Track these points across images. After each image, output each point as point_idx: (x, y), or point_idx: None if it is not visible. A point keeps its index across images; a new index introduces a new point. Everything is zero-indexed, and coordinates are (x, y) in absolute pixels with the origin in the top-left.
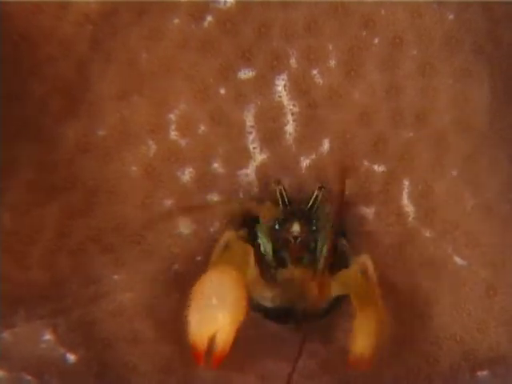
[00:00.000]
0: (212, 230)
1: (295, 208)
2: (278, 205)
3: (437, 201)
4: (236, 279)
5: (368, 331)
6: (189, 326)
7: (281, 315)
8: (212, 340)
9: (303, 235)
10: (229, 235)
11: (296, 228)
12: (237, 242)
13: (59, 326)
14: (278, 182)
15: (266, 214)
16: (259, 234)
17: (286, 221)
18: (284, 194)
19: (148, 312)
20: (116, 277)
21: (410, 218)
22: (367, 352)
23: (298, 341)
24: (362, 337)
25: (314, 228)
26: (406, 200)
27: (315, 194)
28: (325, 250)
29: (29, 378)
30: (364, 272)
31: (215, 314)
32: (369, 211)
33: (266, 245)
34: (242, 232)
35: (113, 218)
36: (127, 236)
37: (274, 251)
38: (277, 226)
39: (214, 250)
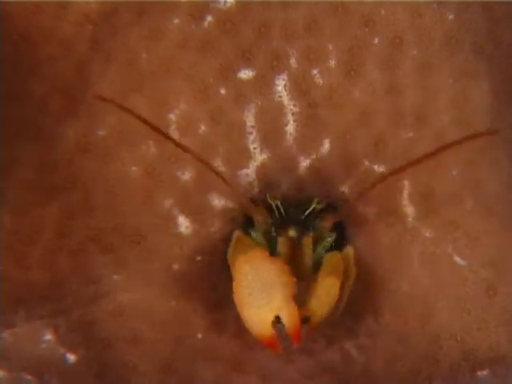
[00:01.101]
0: (212, 229)
1: (291, 216)
2: (274, 213)
3: (437, 201)
4: (266, 257)
5: (321, 297)
6: (249, 323)
7: None
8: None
9: (300, 236)
10: (238, 233)
11: (292, 233)
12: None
13: (59, 326)
14: (275, 198)
15: (260, 220)
16: (255, 238)
17: (281, 227)
18: (281, 208)
19: (148, 312)
20: (116, 277)
21: (410, 218)
22: (315, 316)
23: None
24: (314, 300)
25: (311, 234)
26: (406, 200)
27: (312, 206)
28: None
29: (29, 377)
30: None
31: (268, 299)
32: (369, 211)
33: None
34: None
35: (113, 217)
36: (127, 236)
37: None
38: (273, 233)
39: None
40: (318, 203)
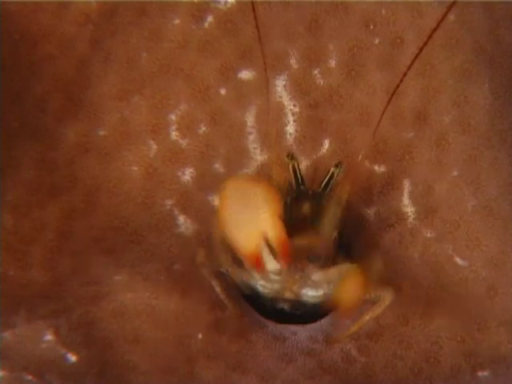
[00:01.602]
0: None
1: (308, 188)
2: (291, 180)
3: (437, 201)
4: (251, 179)
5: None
6: (236, 242)
7: (278, 309)
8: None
9: (313, 215)
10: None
11: (306, 209)
12: None
13: (60, 326)
14: (292, 156)
15: (277, 184)
16: None
17: (297, 200)
18: (298, 170)
19: (149, 312)
20: (117, 277)
21: (411, 219)
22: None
23: (299, 341)
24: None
25: (323, 209)
26: (406, 200)
27: (331, 171)
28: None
29: (29, 378)
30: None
31: (253, 217)
32: (369, 212)
33: None
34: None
35: (113, 218)
36: (128, 236)
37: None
38: (288, 201)
39: None
40: (335, 167)
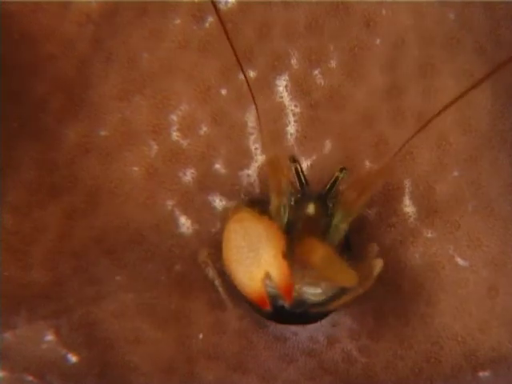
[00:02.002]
0: (213, 230)
1: (312, 190)
2: (294, 182)
3: (438, 201)
4: (254, 215)
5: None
6: (239, 282)
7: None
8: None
9: (317, 217)
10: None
11: (311, 210)
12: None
13: (61, 326)
14: (294, 159)
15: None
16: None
17: (301, 200)
18: (301, 172)
19: (150, 312)
20: (117, 277)
21: (412, 219)
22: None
23: (299, 341)
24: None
25: (330, 212)
26: (407, 201)
27: (335, 175)
28: (336, 238)
29: (30, 378)
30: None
31: (256, 257)
32: (370, 212)
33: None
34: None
35: (114, 218)
36: (129, 236)
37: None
38: (292, 202)
39: None
40: (340, 171)
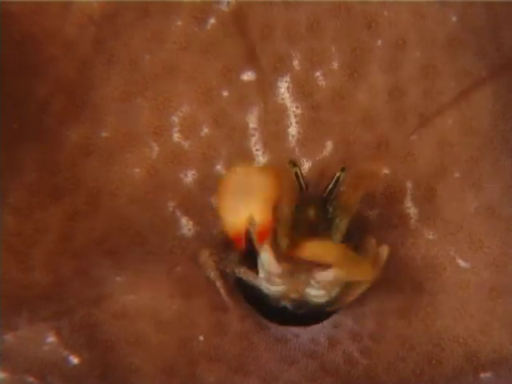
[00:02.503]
0: (214, 231)
1: (313, 193)
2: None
3: (439, 203)
4: (260, 167)
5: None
6: (224, 214)
7: (281, 311)
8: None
9: (318, 221)
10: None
11: (311, 213)
12: None
13: (62, 328)
14: (294, 164)
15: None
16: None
17: (302, 205)
18: (301, 176)
19: (151, 314)
20: (119, 279)
21: (413, 220)
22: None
23: (301, 343)
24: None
25: (330, 216)
26: (408, 202)
27: (337, 174)
28: (338, 237)
29: (31, 379)
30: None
31: (248, 198)
32: (372, 213)
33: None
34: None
35: (115, 219)
36: (130, 238)
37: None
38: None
39: None
40: (342, 170)
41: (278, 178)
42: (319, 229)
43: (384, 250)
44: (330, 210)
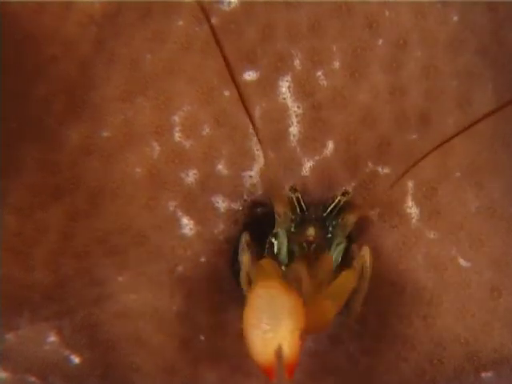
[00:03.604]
0: (216, 231)
1: (312, 213)
2: (295, 209)
3: (441, 202)
4: (285, 288)
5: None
6: (251, 346)
7: None
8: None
9: (317, 240)
10: (246, 259)
11: (311, 232)
12: (261, 261)
13: (63, 327)
14: (295, 190)
15: (281, 212)
16: (280, 234)
17: (301, 224)
18: (301, 201)
19: (152, 313)
20: (120, 278)
21: (414, 220)
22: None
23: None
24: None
25: (330, 235)
26: (410, 202)
27: (338, 198)
28: (335, 261)
29: (33, 379)
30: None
31: (275, 327)
32: (373, 213)
33: (282, 245)
34: (246, 235)
35: (117, 219)
36: (131, 237)
37: (288, 252)
38: (292, 229)
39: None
40: (343, 195)
41: (302, 306)
42: (319, 248)
43: (365, 252)
44: (330, 229)
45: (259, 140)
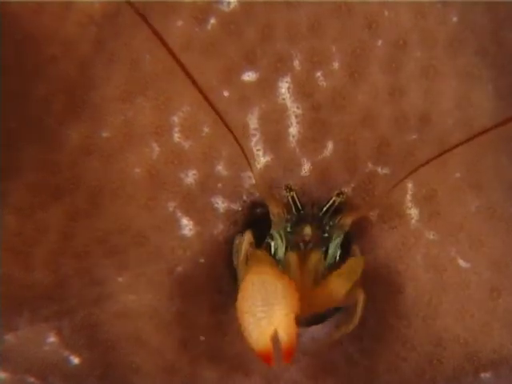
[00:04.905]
0: (215, 232)
1: (308, 212)
2: (290, 209)
3: (440, 203)
4: (276, 272)
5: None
6: (247, 333)
7: None
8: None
9: (314, 240)
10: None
11: (307, 231)
12: (256, 250)
13: (63, 328)
14: (290, 189)
15: (276, 213)
16: (275, 235)
17: (298, 224)
18: (297, 200)
19: (151, 313)
20: (120, 278)
21: (414, 221)
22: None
23: (302, 342)
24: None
25: (326, 235)
26: (409, 202)
27: (333, 199)
28: (332, 256)
29: (32, 380)
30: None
31: (269, 312)
32: (372, 213)
33: (279, 246)
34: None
35: (116, 219)
36: (131, 238)
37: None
38: (289, 229)
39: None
40: (337, 195)
41: (295, 289)
42: (316, 246)
43: (360, 296)
44: (327, 228)
45: (245, 156)
